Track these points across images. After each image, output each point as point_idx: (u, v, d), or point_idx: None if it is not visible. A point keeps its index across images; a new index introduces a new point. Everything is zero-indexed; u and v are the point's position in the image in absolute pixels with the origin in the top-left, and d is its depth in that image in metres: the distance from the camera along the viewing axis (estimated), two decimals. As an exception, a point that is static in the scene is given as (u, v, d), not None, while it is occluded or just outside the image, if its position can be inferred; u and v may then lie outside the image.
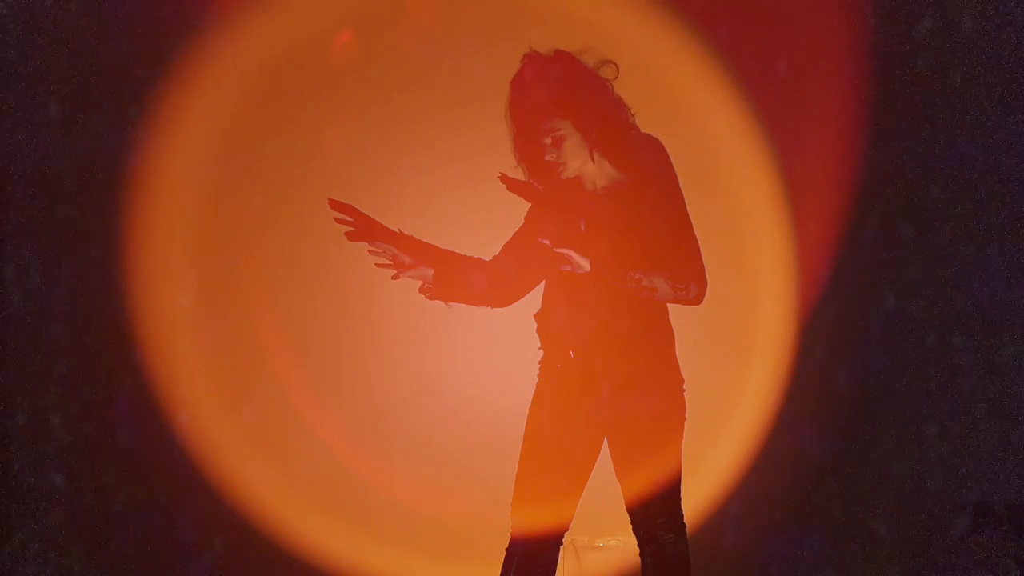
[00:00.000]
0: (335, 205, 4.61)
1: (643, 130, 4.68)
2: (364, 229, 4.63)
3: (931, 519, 6.64)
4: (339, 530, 6.48)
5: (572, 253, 4.50)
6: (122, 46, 6.49)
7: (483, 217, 5.90)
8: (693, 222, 4.63)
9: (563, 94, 4.54)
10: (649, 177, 4.61)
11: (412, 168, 6.47)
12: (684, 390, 4.71)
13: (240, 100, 6.45)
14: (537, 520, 4.67)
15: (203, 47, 6.42)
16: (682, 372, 4.72)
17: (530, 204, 4.75)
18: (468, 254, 4.77)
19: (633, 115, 4.65)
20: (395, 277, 4.69)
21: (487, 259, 4.80)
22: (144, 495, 6.54)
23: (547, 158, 4.61)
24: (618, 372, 4.64)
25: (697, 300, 4.60)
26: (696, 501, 6.32)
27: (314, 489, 6.49)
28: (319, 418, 6.52)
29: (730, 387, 6.50)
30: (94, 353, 6.53)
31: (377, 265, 4.69)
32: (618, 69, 4.62)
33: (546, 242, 4.48)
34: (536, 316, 4.76)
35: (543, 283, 4.78)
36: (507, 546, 4.72)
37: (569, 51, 4.60)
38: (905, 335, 6.68)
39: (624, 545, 6.02)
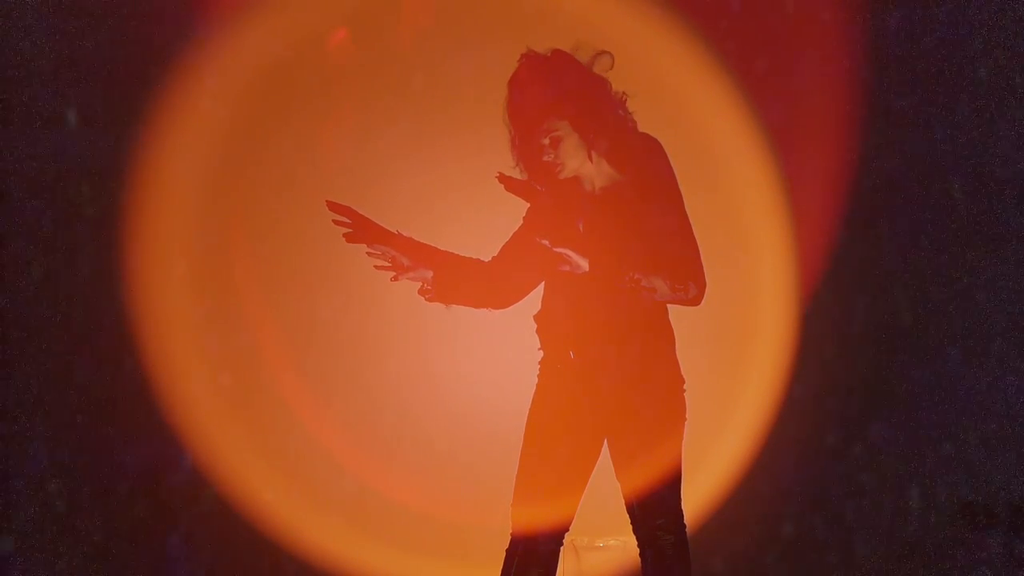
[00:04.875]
0: (333, 207, 4.61)
1: (642, 130, 4.68)
2: (362, 230, 4.63)
3: (931, 519, 6.64)
4: (339, 530, 6.48)
5: (571, 253, 4.50)
6: (122, 46, 6.48)
7: (482, 217, 5.90)
8: (692, 222, 4.62)
9: (560, 94, 4.54)
10: (647, 177, 4.61)
11: (411, 168, 6.47)
12: (684, 390, 4.70)
13: (240, 100, 6.45)
14: (537, 520, 4.67)
15: (203, 47, 6.42)
16: (682, 372, 4.71)
17: (528, 204, 4.75)
18: (468, 255, 4.77)
19: (631, 115, 4.66)
20: (394, 279, 4.69)
21: (486, 260, 4.80)
22: (144, 496, 6.54)
23: (545, 158, 4.61)
24: (618, 372, 4.64)
25: (696, 300, 4.60)
26: (696, 501, 6.32)
27: (314, 489, 6.49)
28: (319, 418, 6.52)
29: (730, 387, 6.50)
30: (94, 353, 6.52)
31: (376, 267, 4.69)
32: (613, 60, 4.62)
33: (545, 242, 4.48)
34: (536, 317, 4.76)
35: (543, 284, 4.78)
36: (507, 546, 4.72)
37: (566, 50, 4.60)
38: (905, 335, 6.67)
39: (624, 545, 6.01)
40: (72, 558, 6.52)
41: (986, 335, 6.66)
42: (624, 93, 4.65)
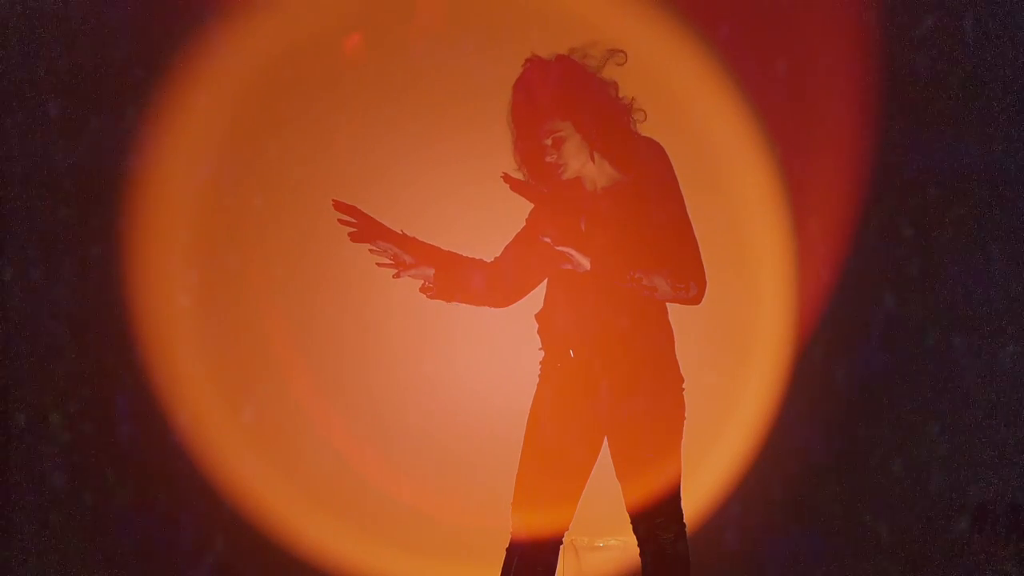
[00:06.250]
0: (338, 206, 4.61)
1: (644, 130, 4.69)
2: (367, 230, 4.63)
3: (931, 519, 6.64)
4: (339, 530, 6.48)
5: (573, 251, 4.50)
6: (122, 46, 6.49)
7: (484, 217, 5.90)
8: (693, 222, 4.63)
9: (563, 95, 4.55)
10: (649, 177, 4.62)
11: (413, 168, 6.47)
12: (684, 390, 4.71)
13: (240, 100, 6.46)
14: (537, 520, 4.67)
15: (203, 47, 6.42)
16: (682, 372, 4.72)
17: (532, 205, 4.76)
18: (469, 254, 4.78)
19: (637, 117, 4.66)
20: (396, 276, 4.69)
21: (488, 260, 4.81)
22: (144, 495, 6.54)
23: (548, 159, 4.61)
24: (618, 372, 4.64)
25: (696, 300, 4.61)
26: (696, 501, 6.32)
27: (314, 489, 6.49)
28: (319, 418, 6.52)
29: (730, 387, 6.50)
30: (94, 353, 6.53)
31: (378, 264, 4.69)
32: (626, 56, 4.63)
33: (547, 240, 4.49)
34: (537, 316, 4.76)
35: (544, 283, 4.79)
36: (507, 546, 4.72)
37: (572, 52, 4.62)
38: (905, 335, 6.68)
39: (624, 545, 6.01)
40: (73, 558, 6.52)
41: (987, 335, 6.66)
42: (632, 98, 4.66)
